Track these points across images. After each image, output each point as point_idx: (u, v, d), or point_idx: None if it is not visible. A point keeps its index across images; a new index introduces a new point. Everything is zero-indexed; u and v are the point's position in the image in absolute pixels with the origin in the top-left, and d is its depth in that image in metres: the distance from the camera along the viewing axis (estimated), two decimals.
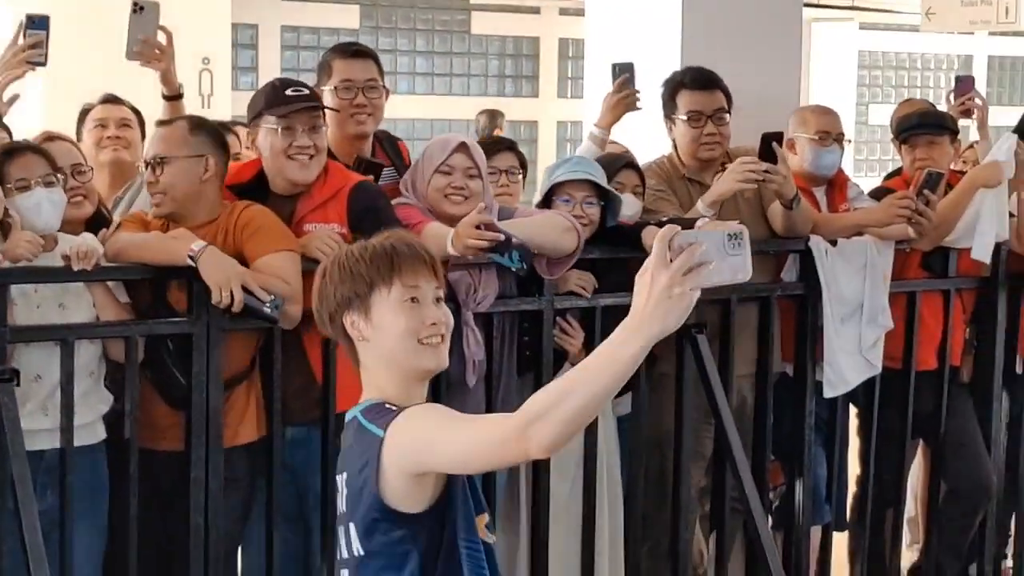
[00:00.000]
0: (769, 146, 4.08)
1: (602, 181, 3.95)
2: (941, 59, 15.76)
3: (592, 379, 1.95)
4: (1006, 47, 15.50)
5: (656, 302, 1.87)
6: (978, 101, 5.25)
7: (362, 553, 2.24)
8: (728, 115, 4.37)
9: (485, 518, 2.28)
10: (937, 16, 10.62)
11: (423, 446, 2.15)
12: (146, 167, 3.49)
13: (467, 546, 2.22)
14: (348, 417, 2.31)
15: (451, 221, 3.45)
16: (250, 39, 12.48)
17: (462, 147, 3.64)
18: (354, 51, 4.00)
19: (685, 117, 4.30)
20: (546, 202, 3.92)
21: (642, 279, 1.87)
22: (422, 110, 12.55)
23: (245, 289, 3.23)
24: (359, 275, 2.27)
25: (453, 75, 13.99)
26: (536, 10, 13.90)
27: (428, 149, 3.77)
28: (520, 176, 4.33)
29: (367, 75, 3.86)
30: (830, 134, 4.44)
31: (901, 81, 15.08)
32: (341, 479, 2.29)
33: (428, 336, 2.26)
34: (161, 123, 3.69)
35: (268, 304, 3.29)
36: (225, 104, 9.77)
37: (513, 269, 3.41)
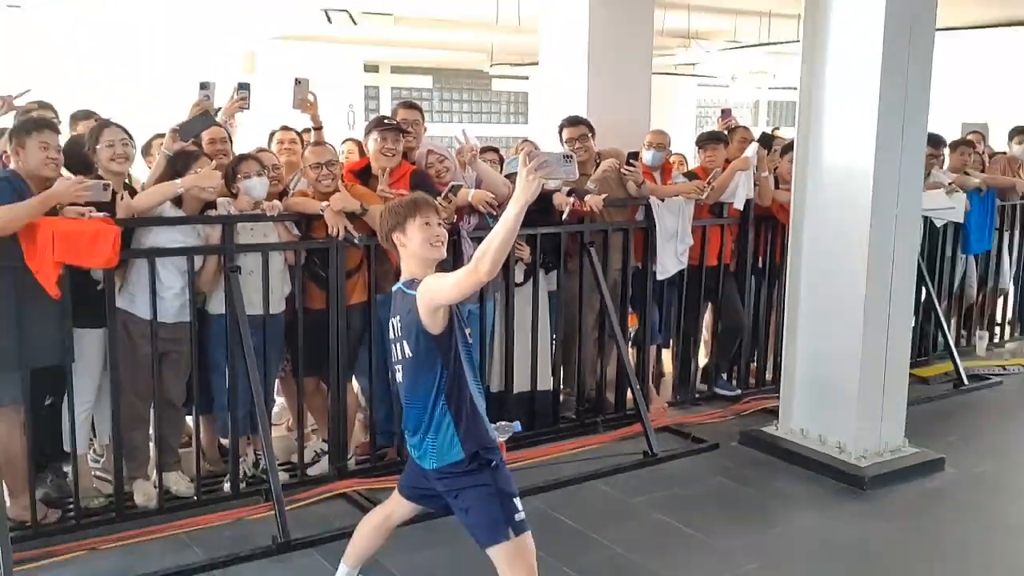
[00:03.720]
0: (630, 158, 5.43)
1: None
2: (744, 102, 19.78)
3: (499, 231, 2.66)
4: (778, 95, 19.48)
5: (521, 185, 2.62)
6: (734, 122, 6.47)
7: (410, 355, 3.00)
8: (589, 136, 5.50)
9: (468, 330, 3.04)
10: (737, 79, 13.30)
11: (433, 292, 2.87)
12: (324, 167, 4.48)
13: (463, 345, 3.00)
14: (394, 288, 3.12)
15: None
16: (373, 94, 15.83)
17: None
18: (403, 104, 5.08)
19: (566, 142, 5.50)
20: None
21: (517, 178, 2.62)
22: None
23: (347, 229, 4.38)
24: (399, 213, 3.06)
25: None
26: None
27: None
28: None
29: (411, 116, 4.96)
30: (652, 143, 5.72)
31: (717, 115, 17.12)
32: (396, 319, 3.06)
33: (435, 242, 3.04)
34: (319, 143, 4.74)
35: (357, 238, 4.44)
36: (360, 131, 11.49)
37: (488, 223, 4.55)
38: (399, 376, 3.06)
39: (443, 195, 4.44)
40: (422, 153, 4.96)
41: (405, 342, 2.98)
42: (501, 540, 2.92)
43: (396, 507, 3.42)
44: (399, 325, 3.02)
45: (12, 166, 4.00)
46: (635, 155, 5.48)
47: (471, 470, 2.98)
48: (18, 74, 6.31)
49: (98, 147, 4.30)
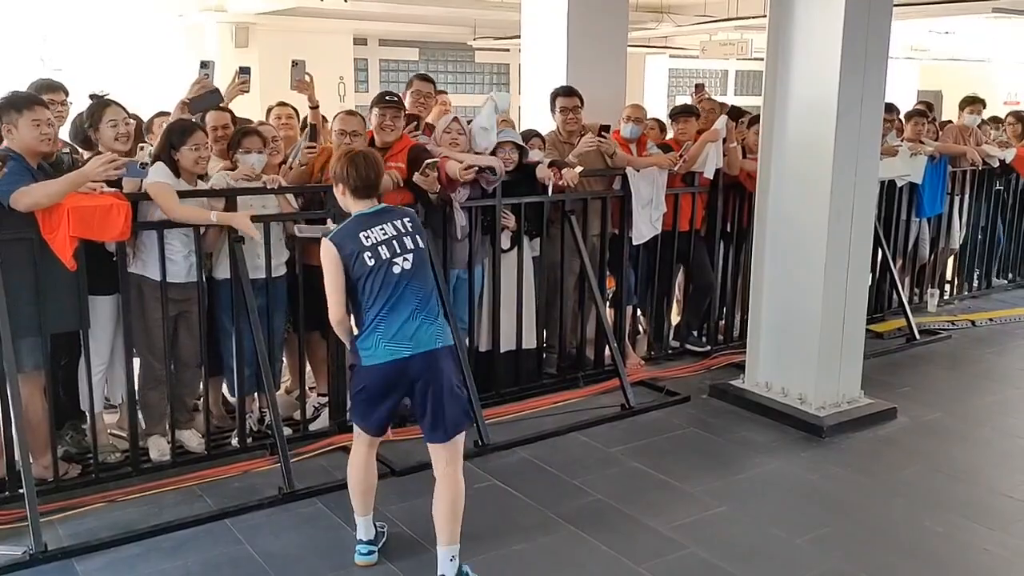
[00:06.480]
0: (602, 130, 5.44)
1: (518, 140, 5.07)
2: (713, 72, 19.76)
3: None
4: (745, 65, 19.32)
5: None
6: (706, 94, 6.52)
7: (422, 246, 3.26)
8: (580, 108, 5.52)
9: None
10: (707, 51, 13.22)
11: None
12: (343, 135, 4.51)
13: None
14: (363, 212, 3.25)
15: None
16: (362, 66, 15.80)
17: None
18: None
19: (559, 110, 5.56)
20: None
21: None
22: None
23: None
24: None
25: None
26: None
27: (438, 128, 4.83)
28: None
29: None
30: (630, 117, 5.77)
31: (690, 86, 17.07)
32: (387, 226, 3.19)
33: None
34: (351, 112, 4.79)
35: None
36: (350, 102, 11.97)
37: (484, 187, 4.82)
38: (408, 266, 3.11)
39: (420, 170, 4.48)
40: (447, 117, 5.03)
41: (418, 236, 3.16)
42: (468, 422, 3.16)
43: (365, 442, 3.45)
44: (400, 226, 3.14)
45: (6, 144, 3.82)
46: (606, 127, 5.48)
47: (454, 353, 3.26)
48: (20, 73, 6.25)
49: (101, 125, 4.22)
